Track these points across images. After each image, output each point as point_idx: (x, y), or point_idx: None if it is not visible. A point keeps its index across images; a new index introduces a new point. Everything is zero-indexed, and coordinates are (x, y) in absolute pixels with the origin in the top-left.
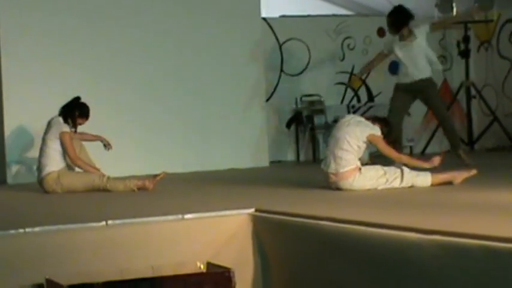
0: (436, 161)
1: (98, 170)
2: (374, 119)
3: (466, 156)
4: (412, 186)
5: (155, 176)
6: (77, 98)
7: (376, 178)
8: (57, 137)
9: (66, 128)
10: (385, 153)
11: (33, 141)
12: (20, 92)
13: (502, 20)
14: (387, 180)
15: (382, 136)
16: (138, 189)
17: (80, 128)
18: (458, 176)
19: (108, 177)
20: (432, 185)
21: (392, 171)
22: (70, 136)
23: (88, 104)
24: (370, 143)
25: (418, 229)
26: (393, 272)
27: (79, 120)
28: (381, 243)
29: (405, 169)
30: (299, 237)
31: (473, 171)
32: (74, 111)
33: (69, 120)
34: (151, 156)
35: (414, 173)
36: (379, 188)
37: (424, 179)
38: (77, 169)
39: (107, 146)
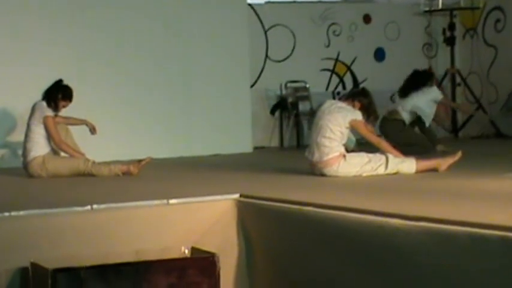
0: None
1: (82, 154)
2: (352, 96)
3: (444, 147)
4: (397, 173)
5: (140, 161)
6: (59, 81)
7: (361, 165)
8: (41, 122)
9: (49, 112)
10: (366, 137)
11: (17, 125)
12: (3, 74)
13: (488, 7)
14: (372, 168)
15: (363, 121)
16: (123, 174)
17: (65, 112)
18: (443, 163)
19: (93, 162)
20: (417, 171)
21: (377, 158)
22: (53, 120)
23: (72, 87)
24: (352, 128)
25: (404, 215)
26: (378, 258)
27: (62, 103)
28: (367, 230)
29: (390, 156)
30: (283, 223)
31: (458, 155)
32: (57, 94)
33: (52, 104)
34: (135, 142)
35: (399, 159)
36: (364, 174)
37: (408, 166)
38: (62, 154)
39: (92, 130)
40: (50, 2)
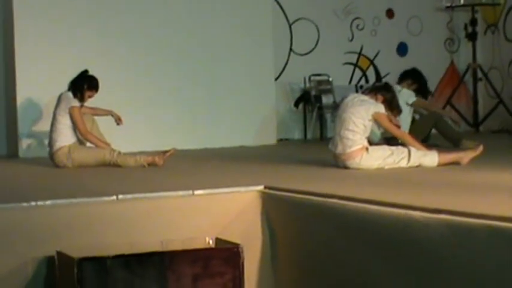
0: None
1: (108, 144)
2: (375, 90)
3: (470, 142)
4: (419, 166)
5: (165, 152)
6: (85, 71)
7: (383, 158)
8: (67, 112)
9: (75, 103)
10: (389, 130)
11: (44, 115)
12: (31, 66)
13: (509, 3)
14: (394, 160)
15: (386, 113)
16: (148, 164)
17: (90, 103)
18: (465, 157)
19: (119, 152)
20: (439, 165)
21: (400, 151)
22: (79, 110)
23: (97, 77)
24: (375, 121)
25: (425, 208)
26: (400, 250)
27: (88, 93)
28: (388, 222)
29: (412, 149)
30: (307, 215)
31: (480, 149)
32: (83, 84)
33: (78, 94)
34: (161, 133)
35: (421, 152)
36: (386, 167)
37: (431, 159)
38: (88, 144)
39: (117, 120)
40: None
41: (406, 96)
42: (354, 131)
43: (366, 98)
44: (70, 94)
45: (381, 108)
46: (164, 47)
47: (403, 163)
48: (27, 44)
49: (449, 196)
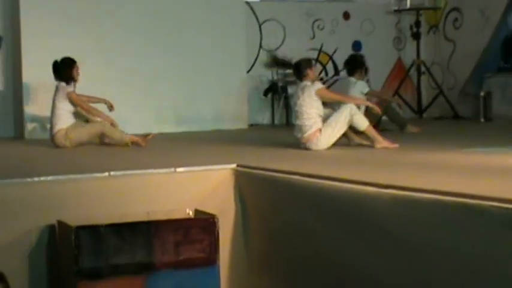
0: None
1: (112, 120)
2: (298, 73)
3: (414, 127)
4: (350, 124)
5: (146, 135)
6: (55, 62)
7: (333, 132)
8: (65, 98)
9: (70, 89)
10: (333, 99)
11: (48, 101)
12: (36, 55)
13: (448, 8)
14: (341, 124)
15: (324, 86)
16: (132, 143)
17: (85, 92)
18: (383, 143)
19: (109, 126)
20: (365, 130)
21: (339, 114)
22: (76, 94)
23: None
24: (320, 97)
25: (375, 183)
26: (354, 221)
27: (74, 70)
28: (343, 196)
29: (348, 107)
30: (274, 189)
31: (395, 146)
32: (65, 69)
33: (71, 80)
34: (145, 118)
35: (357, 112)
36: (341, 132)
37: (361, 120)
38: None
39: (109, 107)
40: None
41: (361, 87)
42: (309, 118)
43: (306, 83)
44: (63, 83)
45: (317, 85)
46: (150, 44)
47: (346, 120)
48: (33, 33)
49: (396, 173)
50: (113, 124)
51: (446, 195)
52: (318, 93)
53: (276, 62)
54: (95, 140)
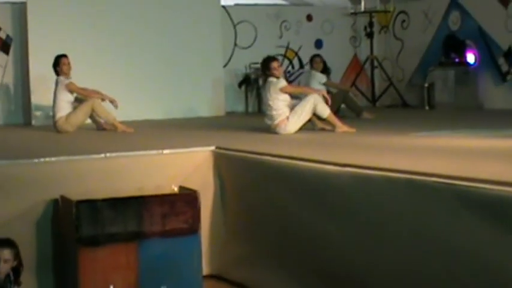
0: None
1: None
2: (263, 71)
3: (369, 114)
4: (314, 112)
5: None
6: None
7: (299, 119)
8: (64, 90)
9: (67, 81)
10: (296, 92)
11: (52, 91)
12: (42, 49)
13: (396, 11)
14: (306, 112)
15: (285, 83)
16: (115, 127)
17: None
18: (343, 127)
19: (99, 103)
20: (327, 118)
21: (304, 103)
22: (74, 84)
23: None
24: (285, 93)
25: (335, 163)
26: (318, 196)
27: (63, 64)
28: (308, 173)
29: (312, 97)
30: (248, 168)
31: (353, 131)
32: (54, 65)
33: (61, 72)
34: (134, 105)
35: (319, 101)
36: (306, 119)
37: (323, 109)
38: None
39: (104, 99)
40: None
41: (319, 78)
42: (276, 108)
43: (272, 79)
44: (61, 77)
45: (281, 83)
46: (139, 43)
47: (310, 108)
48: (38, 34)
49: (353, 154)
50: (113, 101)
51: (397, 173)
52: (282, 90)
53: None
54: (89, 115)
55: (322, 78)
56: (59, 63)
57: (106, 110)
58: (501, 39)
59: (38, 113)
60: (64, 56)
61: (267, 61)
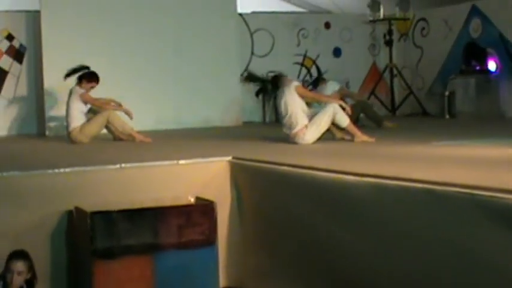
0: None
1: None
2: (278, 78)
3: (389, 123)
4: (333, 122)
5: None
6: (85, 67)
7: (318, 129)
8: (78, 99)
9: (81, 91)
10: (311, 97)
11: (65, 103)
12: (55, 62)
13: (416, 18)
14: (325, 122)
15: (300, 84)
16: (132, 137)
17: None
18: (362, 137)
19: (114, 113)
20: (347, 127)
21: (323, 113)
22: (89, 95)
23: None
24: (300, 95)
25: (355, 173)
26: (336, 206)
27: (87, 85)
28: (327, 184)
29: (331, 107)
30: (265, 178)
31: (372, 140)
32: (82, 79)
33: (83, 85)
34: (150, 117)
35: (339, 110)
36: (325, 129)
37: (343, 119)
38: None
39: (120, 109)
40: (95, 10)
41: (332, 86)
42: (295, 116)
43: (283, 88)
44: (76, 87)
45: (295, 83)
46: (154, 52)
47: (329, 119)
48: (52, 45)
49: (372, 164)
50: (127, 112)
51: (417, 183)
52: (297, 90)
53: (251, 78)
54: (103, 127)
55: (335, 86)
56: (90, 80)
57: (122, 121)
58: None
59: (51, 123)
60: (97, 77)
61: (275, 78)
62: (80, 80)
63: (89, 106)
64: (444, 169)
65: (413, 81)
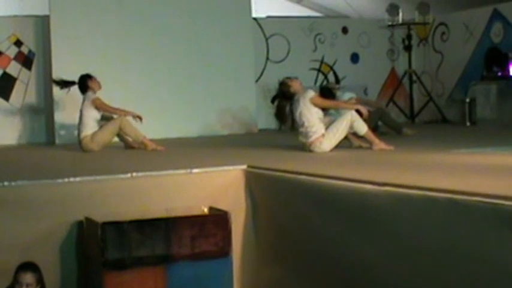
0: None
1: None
2: (291, 85)
3: (409, 130)
4: (352, 130)
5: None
6: (79, 80)
7: (335, 137)
8: (91, 106)
9: (94, 96)
10: (327, 105)
11: (75, 110)
12: (65, 70)
13: (436, 23)
14: (342, 130)
15: (316, 95)
16: (145, 145)
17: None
18: (380, 145)
19: (127, 121)
20: (365, 135)
21: (340, 122)
22: (100, 99)
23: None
24: (315, 105)
25: (373, 182)
26: (354, 216)
27: (92, 84)
28: (345, 193)
29: (349, 114)
30: (281, 188)
31: (391, 148)
32: (85, 83)
33: (92, 90)
34: (165, 123)
35: (356, 118)
36: (342, 136)
37: (361, 126)
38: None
39: (135, 118)
40: (104, 15)
41: (347, 95)
42: (311, 125)
43: (297, 96)
44: (88, 93)
45: (309, 93)
46: (167, 58)
47: (346, 127)
48: (61, 52)
49: (392, 172)
50: (139, 117)
51: (438, 192)
52: (312, 102)
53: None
54: (115, 135)
55: (351, 95)
56: (86, 82)
57: (135, 128)
58: None
59: (61, 132)
60: (89, 76)
61: (281, 84)
62: (86, 86)
63: (102, 113)
64: (465, 178)
65: (433, 88)
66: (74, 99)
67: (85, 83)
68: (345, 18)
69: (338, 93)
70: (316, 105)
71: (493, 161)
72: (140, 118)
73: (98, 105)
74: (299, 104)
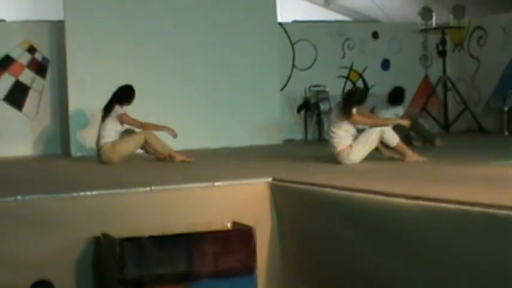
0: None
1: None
2: (344, 102)
3: (441, 141)
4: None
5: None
6: (127, 86)
7: (364, 148)
8: (115, 118)
9: (121, 111)
10: (366, 124)
11: (91, 122)
12: (80, 81)
13: (472, 27)
14: (371, 142)
15: (354, 114)
16: (172, 157)
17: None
18: (412, 156)
19: (153, 134)
20: (396, 146)
21: (370, 133)
22: (127, 115)
23: (137, 89)
24: (358, 124)
25: (405, 195)
26: (385, 231)
27: (130, 101)
28: (375, 207)
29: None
30: (308, 201)
31: (424, 159)
32: (124, 99)
33: (124, 104)
34: (188, 134)
35: (387, 129)
36: (372, 148)
37: (392, 137)
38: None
39: (171, 134)
40: (121, 23)
41: (397, 110)
42: (339, 135)
43: (340, 105)
44: (117, 106)
45: (351, 113)
46: (188, 66)
47: (376, 138)
48: (77, 59)
49: (425, 185)
50: (172, 132)
51: (474, 206)
52: (350, 121)
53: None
54: (139, 148)
55: (400, 111)
56: (131, 97)
57: (161, 141)
58: None
59: (78, 143)
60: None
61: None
62: (121, 101)
63: (125, 127)
64: (504, 191)
65: (468, 95)
66: (90, 109)
67: (130, 96)
68: (375, 23)
69: (383, 111)
70: (356, 123)
71: None
72: (173, 133)
73: (128, 122)
74: (333, 111)
